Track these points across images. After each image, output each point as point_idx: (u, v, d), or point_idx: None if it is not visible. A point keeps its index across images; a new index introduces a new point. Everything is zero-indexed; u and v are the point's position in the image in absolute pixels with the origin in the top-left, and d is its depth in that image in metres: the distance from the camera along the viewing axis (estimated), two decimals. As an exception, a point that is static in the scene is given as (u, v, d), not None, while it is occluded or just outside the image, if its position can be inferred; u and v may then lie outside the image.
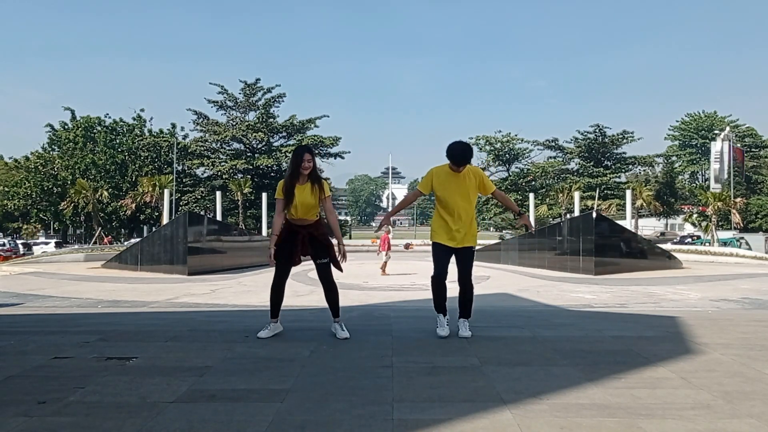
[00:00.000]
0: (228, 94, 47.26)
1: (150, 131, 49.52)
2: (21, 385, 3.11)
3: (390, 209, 54.20)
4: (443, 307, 4.52)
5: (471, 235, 4.47)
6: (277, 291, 4.43)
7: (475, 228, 4.55)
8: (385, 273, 14.62)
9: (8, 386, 3.09)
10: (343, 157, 49.67)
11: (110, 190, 41.77)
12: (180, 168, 46.07)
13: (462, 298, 4.53)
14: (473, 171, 4.47)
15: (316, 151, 48.16)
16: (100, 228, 32.66)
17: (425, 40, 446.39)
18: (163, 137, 47.80)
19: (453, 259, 4.50)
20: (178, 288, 11.03)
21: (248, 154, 46.52)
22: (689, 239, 36.47)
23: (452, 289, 4.46)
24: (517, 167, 51.89)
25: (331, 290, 4.41)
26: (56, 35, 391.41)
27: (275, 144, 48.20)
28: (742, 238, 29.57)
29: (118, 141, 47.93)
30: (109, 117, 48.75)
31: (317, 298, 7.33)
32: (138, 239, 23.30)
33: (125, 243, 31.09)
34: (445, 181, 4.39)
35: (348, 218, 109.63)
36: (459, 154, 4.25)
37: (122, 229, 49.43)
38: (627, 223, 23.29)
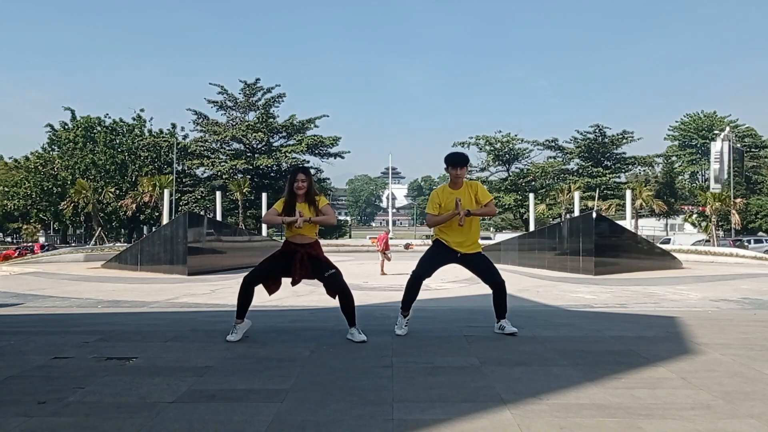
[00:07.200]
0: (228, 95, 47.28)
1: (150, 131, 49.44)
2: (21, 385, 3.11)
3: (390, 209, 54.42)
4: (408, 307, 4.62)
5: (474, 243, 4.55)
6: (247, 290, 4.32)
7: (478, 234, 4.62)
8: (384, 273, 14.60)
9: (8, 386, 3.09)
10: (343, 157, 49.73)
11: (114, 189, 41.72)
12: (180, 168, 46.00)
13: (496, 300, 4.58)
14: (470, 183, 4.61)
15: (316, 151, 48.20)
16: (100, 228, 32.59)
17: (426, 40, 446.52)
18: (163, 137, 47.73)
19: (448, 267, 4.52)
20: (178, 288, 11.02)
21: (248, 154, 46.53)
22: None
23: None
24: (517, 167, 51.81)
25: (345, 297, 4.32)
26: (56, 35, 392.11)
27: (275, 144, 48.17)
28: None
29: (118, 141, 47.85)
30: (109, 117, 48.67)
31: (317, 298, 7.33)
32: (126, 245, 23.21)
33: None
34: (447, 199, 4.53)
35: (348, 218, 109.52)
36: (452, 155, 4.51)
37: (122, 229, 49.38)
38: (627, 224, 23.29)
